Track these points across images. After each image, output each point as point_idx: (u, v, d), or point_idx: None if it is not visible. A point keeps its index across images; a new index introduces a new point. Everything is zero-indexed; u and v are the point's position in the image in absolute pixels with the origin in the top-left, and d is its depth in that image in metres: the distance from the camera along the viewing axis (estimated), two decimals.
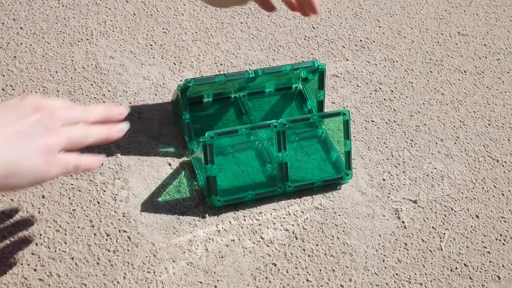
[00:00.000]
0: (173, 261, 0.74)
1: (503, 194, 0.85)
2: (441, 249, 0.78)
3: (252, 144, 0.85)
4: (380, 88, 0.98)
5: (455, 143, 0.91)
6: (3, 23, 1.02)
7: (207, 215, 0.79)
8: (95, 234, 0.76)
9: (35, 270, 0.72)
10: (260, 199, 0.81)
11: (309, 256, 0.76)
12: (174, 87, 0.94)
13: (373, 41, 1.06)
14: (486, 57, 1.06)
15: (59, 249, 0.74)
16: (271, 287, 0.73)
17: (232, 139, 0.84)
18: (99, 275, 0.72)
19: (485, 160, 0.89)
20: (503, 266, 0.77)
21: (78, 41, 1.00)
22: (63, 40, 1.00)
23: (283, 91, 0.92)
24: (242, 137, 0.85)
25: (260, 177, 0.82)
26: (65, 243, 0.75)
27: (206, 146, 0.76)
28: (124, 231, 0.76)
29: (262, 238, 0.77)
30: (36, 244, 0.74)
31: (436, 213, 0.82)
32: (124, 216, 0.78)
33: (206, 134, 0.76)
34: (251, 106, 0.90)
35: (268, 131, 0.83)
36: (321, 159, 0.85)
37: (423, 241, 0.79)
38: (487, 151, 0.91)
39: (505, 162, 0.89)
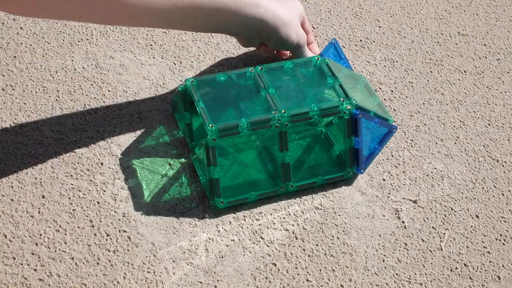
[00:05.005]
0: (173, 261, 0.74)
1: (503, 194, 0.85)
2: (441, 249, 0.78)
3: (253, 144, 0.85)
4: (380, 88, 0.98)
5: (455, 143, 0.91)
6: (3, 23, 1.02)
7: (207, 215, 0.79)
8: (95, 234, 0.76)
9: (35, 270, 0.72)
10: (260, 199, 0.81)
11: (309, 256, 0.76)
12: (174, 87, 0.94)
13: (373, 41, 1.06)
14: (486, 57, 1.06)
15: (59, 249, 0.74)
16: (271, 287, 0.73)
17: (233, 140, 0.84)
18: (99, 275, 0.72)
19: (485, 160, 0.89)
20: (503, 266, 0.77)
21: (78, 41, 1.00)
22: (63, 40, 1.00)
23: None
24: (243, 138, 0.84)
25: (261, 177, 0.82)
26: (65, 243, 0.75)
27: (208, 149, 0.76)
28: (124, 231, 0.76)
29: (262, 238, 0.77)
30: (36, 244, 0.74)
31: (436, 213, 0.82)
32: (124, 216, 0.78)
33: (208, 136, 0.76)
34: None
35: (270, 131, 0.82)
36: (322, 157, 0.85)
37: (423, 241, 0.79)
38: (487, 151, 0.91)
39: (505, 162, 0.89)
